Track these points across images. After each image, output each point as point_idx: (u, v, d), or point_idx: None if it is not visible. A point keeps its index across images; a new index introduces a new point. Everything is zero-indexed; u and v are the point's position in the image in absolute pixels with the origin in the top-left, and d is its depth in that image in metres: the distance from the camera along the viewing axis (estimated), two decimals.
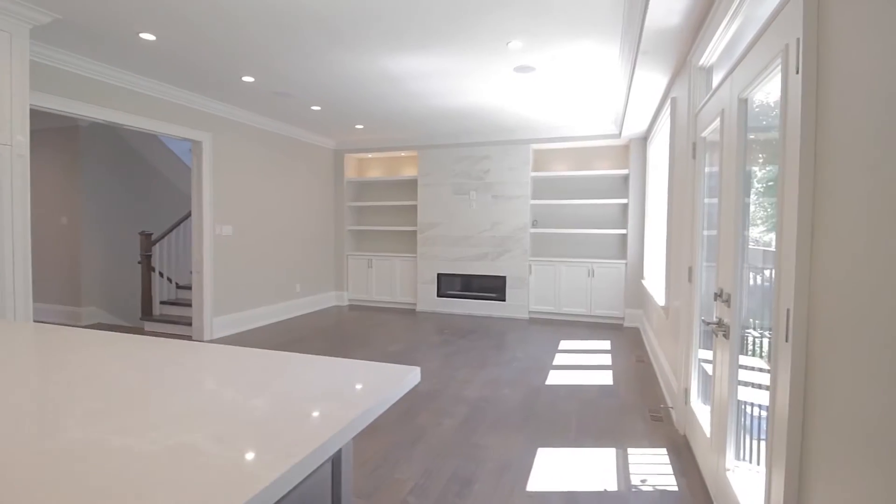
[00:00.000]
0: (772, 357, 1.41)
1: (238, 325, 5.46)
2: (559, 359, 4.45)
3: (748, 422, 2.03)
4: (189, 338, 5.17)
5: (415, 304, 7.01)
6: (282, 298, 6.23)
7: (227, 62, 3.80)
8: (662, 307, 3.59)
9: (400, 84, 4.32)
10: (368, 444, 2.68)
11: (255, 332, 5.48)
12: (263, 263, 5.88)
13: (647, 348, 4.76)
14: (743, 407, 1.99)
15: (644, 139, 5.72)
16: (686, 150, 2.87)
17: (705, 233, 2.61)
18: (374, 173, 7.69)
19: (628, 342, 5.11)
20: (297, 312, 6.52)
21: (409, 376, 1.23)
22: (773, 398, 1.39)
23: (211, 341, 5.05)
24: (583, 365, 4.25)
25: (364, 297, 7.30)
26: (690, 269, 2.73)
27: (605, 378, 3.89)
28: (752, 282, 1.91)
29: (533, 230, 6.39)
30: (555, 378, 3.88)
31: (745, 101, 1.82)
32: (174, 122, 4.68)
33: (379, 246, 7.61)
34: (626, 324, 5.92)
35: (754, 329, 1.90)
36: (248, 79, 4.22)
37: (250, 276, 5.65)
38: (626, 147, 6.20)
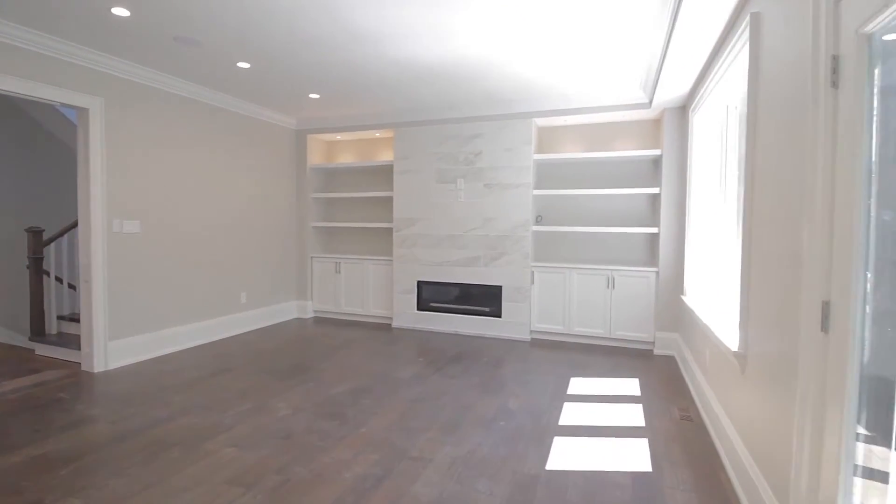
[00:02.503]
0: None
1: (148, 350, 4.20)
2: (568, 412, 3.11)
3: None
4: (78, 366, 3.92)
5: (391, 319, 5.71)
6: (219, 312, 4.96)
7: None
8: (735, 353, 2.24)
9: (341, 18, 3.00)
10: None
11: (170, 358, 4.21)
12: (190, 269, 4.60)
13: (694, 394, 3.41)
14: None
15: (684, 107, 4.34)
16: (805, 83, 1.52)
17: (871, 235, 1.27)
18: (345, 158, 6.38)
19: (664, 382, 3.75)
20: (243, 328, 5.25)
21: None
22: None
23: (105, 371, 3.80)
24: (603, 427, 2.91)
25: (332, 309, 6.00)
26: (827, 308, 1.39)
27: (640, 455, 2.54)
28: None
29: (536, 228, 5.05)
30: (561, 454, 2.54)
31: None
32: (47, 82, 3.42)
33: (349, 246, 6.31)
34: (656, 350, 4.55)
35: None
36: (120, 11, 2.93)
37: (169, 285, 4.38)
38: (657, 121, 4.83)
